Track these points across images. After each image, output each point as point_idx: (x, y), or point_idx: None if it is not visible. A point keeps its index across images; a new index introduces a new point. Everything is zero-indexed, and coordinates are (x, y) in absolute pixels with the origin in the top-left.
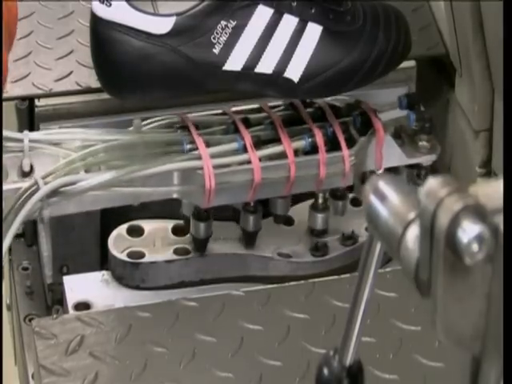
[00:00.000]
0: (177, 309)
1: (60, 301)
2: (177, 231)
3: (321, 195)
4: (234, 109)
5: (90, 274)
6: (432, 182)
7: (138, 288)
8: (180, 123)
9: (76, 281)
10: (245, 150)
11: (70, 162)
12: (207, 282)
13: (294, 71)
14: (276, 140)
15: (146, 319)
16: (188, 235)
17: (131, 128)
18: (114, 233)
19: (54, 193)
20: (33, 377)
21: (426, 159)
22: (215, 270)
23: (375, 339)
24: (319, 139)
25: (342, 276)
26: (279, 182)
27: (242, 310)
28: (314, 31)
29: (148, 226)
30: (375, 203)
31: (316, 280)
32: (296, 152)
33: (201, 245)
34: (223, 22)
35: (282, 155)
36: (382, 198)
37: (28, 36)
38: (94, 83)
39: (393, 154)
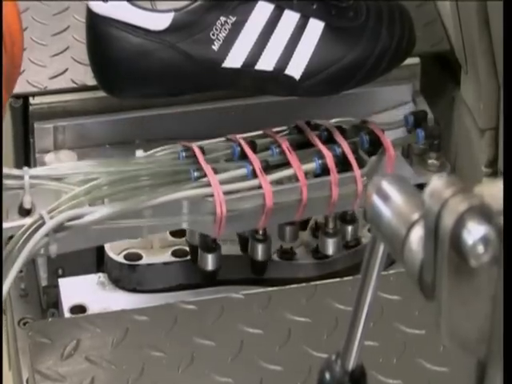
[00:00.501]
0: (175, 312)
1: (55, 304)
2: (175, 232)
3: (331, 219)
4: (238, 136)
5: (86, 276)
6: (436, 182)
7: (135, 291)
8: (184, 151)
9: (72, 283)
10: (254, 175)
11: (73, 197)
12: (206, 284)
13: (296, 68)
14: (285, 164)
15: (144, 323)
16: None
17: (134, 160)
18: None
19: (60, 227)
20: (27, 382)
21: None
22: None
23: (378, 343)
24: (329, 160)
25: (345, 278)
26: (291, 206)
27: (242, 314)
28: (315, 27)
29: None
30: (378, 204)
31: (318, 282)
32: (306, 175)
33: (209, 277)
34: (223, 18)
35: (292, 179)
36: (385, 198)
37: (23, 32)
38: (90, 81)
39: (404, 173)
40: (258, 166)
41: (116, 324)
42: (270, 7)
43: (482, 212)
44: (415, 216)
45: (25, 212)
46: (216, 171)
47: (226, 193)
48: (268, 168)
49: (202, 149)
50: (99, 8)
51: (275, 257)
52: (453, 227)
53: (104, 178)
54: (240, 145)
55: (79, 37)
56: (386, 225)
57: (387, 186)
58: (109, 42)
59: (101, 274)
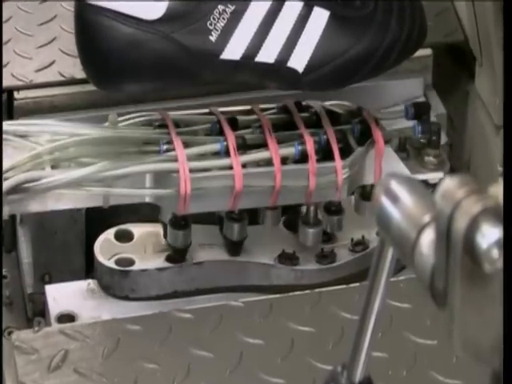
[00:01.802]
0: (170, 321)
1: (42, 312)
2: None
3: (312, 208)
4: (221, 109)
5: (75, 282)
6: (449, 183)
7: (127, 298)
8: (160, 121)
9: (59, 290)
10: (227, 153)
11: (35, 156)
12: (203, 291)
13: (299, 60)
14: (263, 145)
15: (136, 332)
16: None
17: (106, 123)
18: (101, 238)
19: (15, 189)
20: None
21: (432, 176)
22: (211, 279)
23: (387, 354)
24: (310, 147)
25: (351, 285)
26: (264, 191)
27: (242, 323)
28: (320, 16)
29: (138, 230)
30: (387, 205)
31: (322, 289)
32: (285, 160)
33: (179, 255)
34: (221, 7)
35: (269, 162)
36: (395, 199)
37: (7, 22)
38: (79, 73)
39: (394, 169)
40: (232, 143)
41: (107, 334)
42: None
43: (497, 214)
44: (426, 218)
45: None
46: (188, 145)
47: (194, 170)
48: (244, 147)
49: (178, 121)
50: None
51: (277, 262)
52: (466, 230)
53: (70, 140)
54: (219, 120)
55: (67, 27)
56: (395, 228)
57: (396, 187)
58: (99, 32)
59: (90, 281)
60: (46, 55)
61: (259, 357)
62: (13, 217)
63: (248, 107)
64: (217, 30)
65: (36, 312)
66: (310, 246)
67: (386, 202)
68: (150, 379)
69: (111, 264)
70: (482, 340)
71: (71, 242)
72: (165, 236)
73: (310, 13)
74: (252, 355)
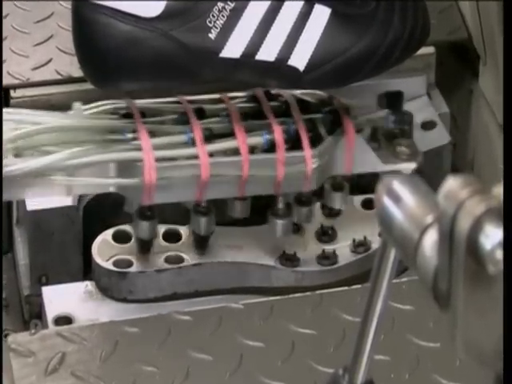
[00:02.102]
0: (168, 323)
1: (38, 314)
2: (168, 237)
3: (281, 199)
4: (189, 98)
5: (72, 284)
6: (452, 183)
7: (125, 300)
8: (126, 109)
9: (56, 292)
10: (194, 143)
11: None
12: (202, 293)
13: (299, 59)
14: (231, 134)
15: (135, 335)
16: (181, 241)
17: (71, 112)
18: (99, 239)
19: None
20: None
21: (404, 167)
22: (211, 281)
23: (389, 357)
24: (278, 136)
25: (353, 287)
26: (230, 181)
27: (242, 325)
28: (321, 14)
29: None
30: (389, 206)
31: (323, 291)
32: (253, 149)
33: (145, 247)
34: (220, 4)
35: (237, 152)
36: (397, 199)
37: (3, 19)
38: (76, 72)
39: (365, 159)
40: (198, 133)
41: (105, 336)
42: None
43: (501, 214)
44: (429, 219)
45: None
46: (154, 135)
47: (159, 159)
48: (211, 137)
49: (145, 110)
50: None
51: (277, 263)
52: (469, 231)
53: (33, 128)
54: (186, 110)
55: (64, 24)
56: (397, 228)
57: (399, 187)
58: (96, 29)
59: (88, 282)
60: (43, 53)
61: (259, 360)
62: (9, 217)
63: (217, 96)
64: (216, 28)
65: (33, 314)
66: (279, 236)
67: (388, 202)
68: (149, 382)
69: (109, 265)
70: (485, 343)
71: (68, 243)
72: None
73: (310, 10)
74: (252, 358)
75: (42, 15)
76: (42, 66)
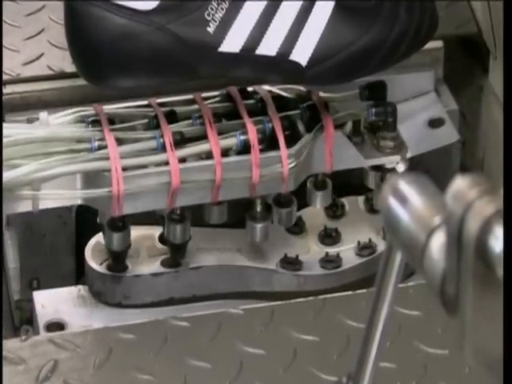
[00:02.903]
0: (165, 329)
1: (29, 320)
2: (165, 240)
3: (258, 202)
4: (160, 100)
5: (64, 289)
6: (460, 182)
7: (119, 306)
8: (94, 116)
9: (48, 297)
10: (164, 148)
11: None
12: (200, 298)
13: (302, 53)
14: (203, 137)
15: (130, 342)
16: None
17: (37, 122)
18: (92, 241)
19: None
20: None
21: (388, 160)
22: (210, 285)
23: (395, 365)
24: (252, 136)
25: (357, 291)
26: (203, 186)
27: (241, 331)
28: (324, 7)
29: (132, 233)
30: (395, 207)
31: (327, 296)
32: (227, 152)
33: (119, 260)
34: None
35: (209, 155)
36: (403, 200)
37: None
38: (69, 67)
39: (346, 155)
40: (168, 138)
41: (98, 343)
42: None
43: None
44: (436, 220)
45: None
46: (122, 142)
47: (127, 168)
48: (183, 141)
49: (114, 116)
50: None
51: (278, 267)
52: (478, 233)
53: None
54: (156, 114)
55: (56, 17)
56: (403, 230)
57: (405, 187)
58: (90, 23)
59: (81, 287)
60: (34, 48)
61: (260, 367)
62: None
63: (190, 96)
64: (215, 21)
65: (23, 320)
66: (258, 242)
67: (394, 203)
68: None
69: (103, 269)
70: (494, 349)
71: (61, 246)
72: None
73: (313, 3)
74: (252, 366)
75: (32, 8)
76: (33, 61)
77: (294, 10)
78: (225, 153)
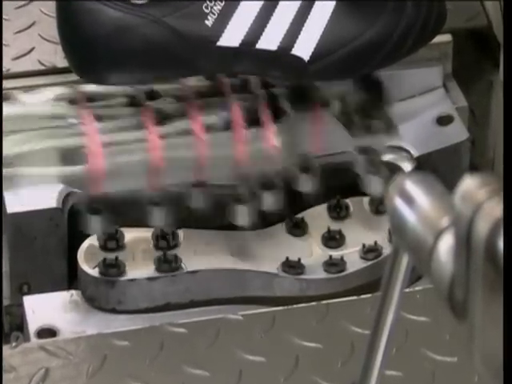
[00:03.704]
0: (161, 336)
1: (20, 326)
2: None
3: (243, 183)
4: None
5: (56, 293)
6: (469, 183)
7: (113, 311)
8: (73, 95)
9: (39, 302)
10: (143, 126)
11: None
12: (198, 303)
13: (304, 48)
14: (185, 115)
15: (124, 349)
16: (177, 248)
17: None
18: (85, 244)
19: None
20: None
21: (377, 141)
22: (207, 290)
23: (402, 373)
24: (236, 112)
25: (362, 296)
26: (186, 165)
27: (241, 338)
28: None
29: (126, 235)
30: (401, 208)
31: (330, 301)
32: (210, 129)
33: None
34: None
35: (191, 132)
36: (410, 201)
37: None
38: (61, 62)
39: (333, 134)
40: (150, 115)
41: (92, 350)
42: None
43: None
44: (444, 222)
45: None
46: (101, 119)
47: (106, 144)
48: (164, 119)
49: (92, 94)
50: None
51: (280, 271)
52: (488, 235)
53: None
54: (136, 91)
55: (47, 10)
56: (410, 232)
57: (412, 187)
58: (83, 16)
59: (73, 292)
60: (25, 42)
61: (260, 376)
62: None
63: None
64: (213, 14)
65: (13, 326)
66: (242, 225)
67: (400, 203)
68: None
69: (96, 273)
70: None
71: (52, 249)
72: None
73: None
74: (252, 374)
75: (23, 0)
76: (24, 55)
77: (296, 2)
78: (207, 130)
